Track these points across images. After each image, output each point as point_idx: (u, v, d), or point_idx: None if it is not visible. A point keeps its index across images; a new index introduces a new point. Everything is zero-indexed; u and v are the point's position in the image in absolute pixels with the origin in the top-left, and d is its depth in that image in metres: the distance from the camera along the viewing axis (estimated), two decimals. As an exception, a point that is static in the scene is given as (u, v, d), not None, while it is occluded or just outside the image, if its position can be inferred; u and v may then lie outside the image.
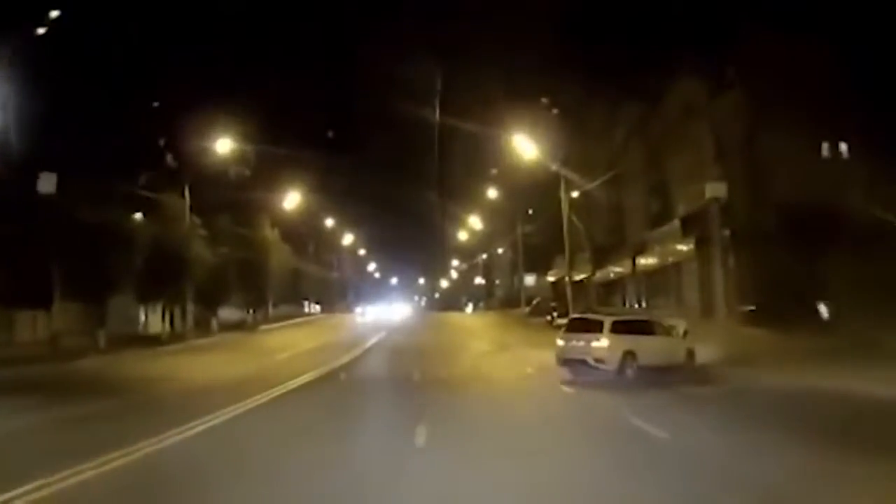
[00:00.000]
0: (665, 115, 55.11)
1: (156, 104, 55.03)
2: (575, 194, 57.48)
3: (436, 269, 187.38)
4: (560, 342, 31.62)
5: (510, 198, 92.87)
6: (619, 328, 30.42)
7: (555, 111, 67.95)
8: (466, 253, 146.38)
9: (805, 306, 40.11)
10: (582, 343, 30.55)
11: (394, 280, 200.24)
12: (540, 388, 29.41)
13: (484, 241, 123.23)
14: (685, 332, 36.47)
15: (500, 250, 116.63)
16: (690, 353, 33.10)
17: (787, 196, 40.73)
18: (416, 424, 18.91)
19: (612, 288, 72.41)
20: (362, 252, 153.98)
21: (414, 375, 32.38)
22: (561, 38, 57.28)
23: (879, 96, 39.28)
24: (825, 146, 45.19)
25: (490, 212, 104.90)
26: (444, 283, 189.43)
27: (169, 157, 59.32)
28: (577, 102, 66.71)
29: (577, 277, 68.46)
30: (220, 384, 29.28)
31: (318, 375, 32.33)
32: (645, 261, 61.80)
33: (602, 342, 30.02)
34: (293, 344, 51.33)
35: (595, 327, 30.62)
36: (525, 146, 56.31)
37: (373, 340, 53.71)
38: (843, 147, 45.54)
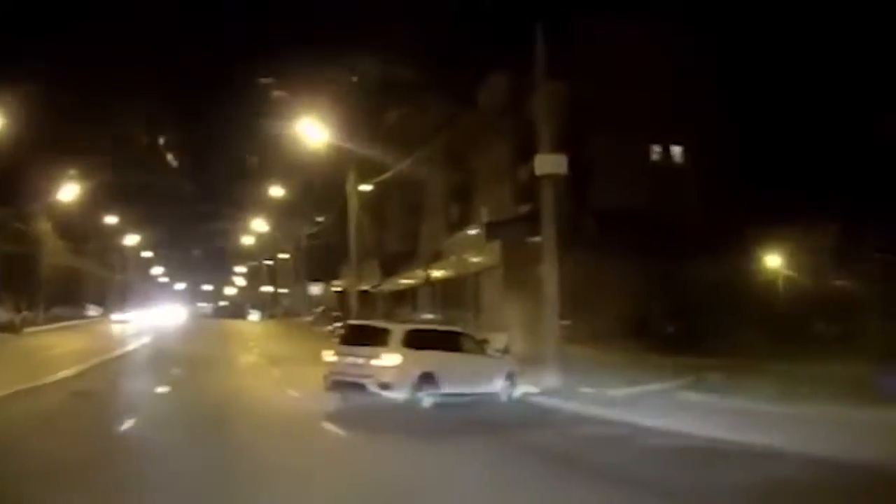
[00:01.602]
0: (475, 113, 50.13)
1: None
2: (367, 188, 49.30)
3: (223, 275, 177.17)
4: (331, 358, 22.70)
5: (298, 198, 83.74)
6: (415, 341, 22.06)
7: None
8: (252, 258, 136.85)
9: (638, 321, 36.46)
10: (361, 360, 21.81)
11: (180, 285, 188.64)
12: (297, 425, 19.41)
13: (269, 246, 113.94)
14: (505, 350, 28.48)
15: (284, 255, 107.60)
16: (510, 377, 25.28)
17: (612, 200, 37.97)
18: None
19: (403, 299, 65.96)
20: (148, 254, 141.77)
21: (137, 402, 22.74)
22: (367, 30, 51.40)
23: (721, 101, 37.67)
24: (656, 149, 42.66)
25: (277, 213, 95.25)
26: (229, 290, 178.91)
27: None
28: (378, 99, 59.38)
29: (366, 287, 61.83)
30: None
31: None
32: (442, 269, 55.47)
33: (389, 359, 21.39)
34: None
35: (380, 339, 21.99)
36: (314, 135, 47.00)
37: (128, 348, 45.55)
38: (677, 150, 43.02)
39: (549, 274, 27.43)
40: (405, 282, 64.38)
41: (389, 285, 67.53)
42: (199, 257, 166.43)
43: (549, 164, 27.13)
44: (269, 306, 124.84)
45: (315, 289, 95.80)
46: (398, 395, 21.23)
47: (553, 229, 27.40)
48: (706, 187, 37.68)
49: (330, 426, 18.80)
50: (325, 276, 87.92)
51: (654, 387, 25.28)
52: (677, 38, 39.07)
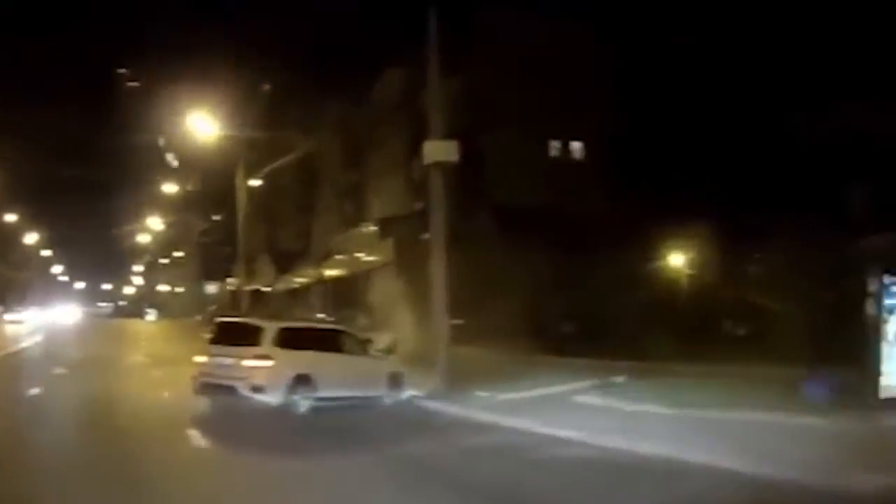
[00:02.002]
0: (370, 108, 48.87)
1: None
2: (256, 183, 47.05)
3: (122, 274, 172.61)
4: (201, 359, 20.58)
5: (193, 196, 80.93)
6: (289, 340, 20.08)
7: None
8: (150, 256, 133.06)
9: (536, 320, 34.52)
10: (231, 361, 19.62)
11: (80, 284, 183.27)
12: (159, 432, 17.32)
13: (165, 244, 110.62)
14: (391, 349, 26.05)
15: (179, 253, 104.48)
16: (396, 379, 23.23)
17: (510, 197, 36.78)
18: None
19: (297, 298, 63.98)
20: (47, 253, 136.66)
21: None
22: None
23: (621, 98, 36.93)
24: (555, 145, 41.68)
25: (173, 211, 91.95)
26: (129, 290, 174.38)
27: None
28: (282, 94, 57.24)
29: (259, 286, 60.55)
30: None
31: None
32: (335, 268, 54.04)
33: (261, 360, 19.33)
34: None
35: (251, 338, 19.83)
36: (206, 128, 44.40)
37: (17, 348, 43.16)
38: (577, 146, 42.04)
39: (437, 269, 25.35)
40: (299, 280, 62.72)
41: (284, 284, 65.62)
42: (98, 256, 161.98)
43: (439, 151, 24.90)
44: (166, 306, 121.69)
45: (212, 287, 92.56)
46: (271, 399, 19.15)
47: (442, 221, 25.28)
48: (607, 184, 36.46)
49: (194, 433, 16.98)
50: (220, 274, 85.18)
51: (551, 390, 23.40)
52: (577, 34, 38.32)
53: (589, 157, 41.31)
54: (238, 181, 44.97)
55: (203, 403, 20.08)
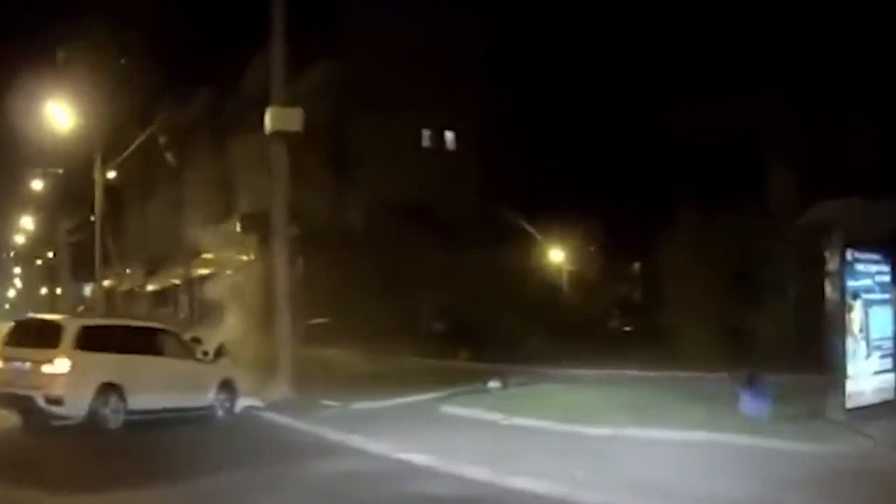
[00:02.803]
0: (238, 99, 44.90)
1: None
2: (111, 175, 43.48)
3: (4, 277, 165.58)
4: None
5: (59, 192, 76.09)
6: (93, 340, 16.68)
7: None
8: (28, 258, 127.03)
9: (406, 320, 32.25)
10: (27, 365, 16.29)
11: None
12: None
13: (38, 244, 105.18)
14: (219, 351, 20.92)
15: (50, 254, 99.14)
16: (227, 387, 19.59)
17: (380, 189, 34.76)
18: None
19: (167, 299, 61.85)
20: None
21: None
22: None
23: (496, 85, 35.70)
24: (426, 134, 40.20)
25: (43, 209, 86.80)
26: (11, 293, 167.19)
27: None
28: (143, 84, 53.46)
29: (129, 286, 60.26)
30: None
31: None
32: (202, 267, 51.39)
33: (58, 364, 16.00)
34: None
35: (48, 338, 16.47)
36: (63, 118, 40.67)
37: None
38: (450, 136, 40.53)
39: (279, 255, 22.72)
40: (170, 281, 59.72)
41: (154, 285, 62.66)
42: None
43: (281, 118, 21.66)
44: (40, 309, 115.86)
45: (88, 289, 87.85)
46: (72, 412, 15.96)
47: (285, 202, 22.48)
48: (481, 176, 34.75)
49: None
50: (91, 275, 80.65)
51: (414, 398, 20.67)
52: (451, 24, 36.95)
53: (462, 147, 39.48)
54: (96, 176, 41.51)
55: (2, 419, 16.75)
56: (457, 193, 35.54)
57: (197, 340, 20.67)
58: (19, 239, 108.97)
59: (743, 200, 26.11)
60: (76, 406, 15.91)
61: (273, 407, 20.25)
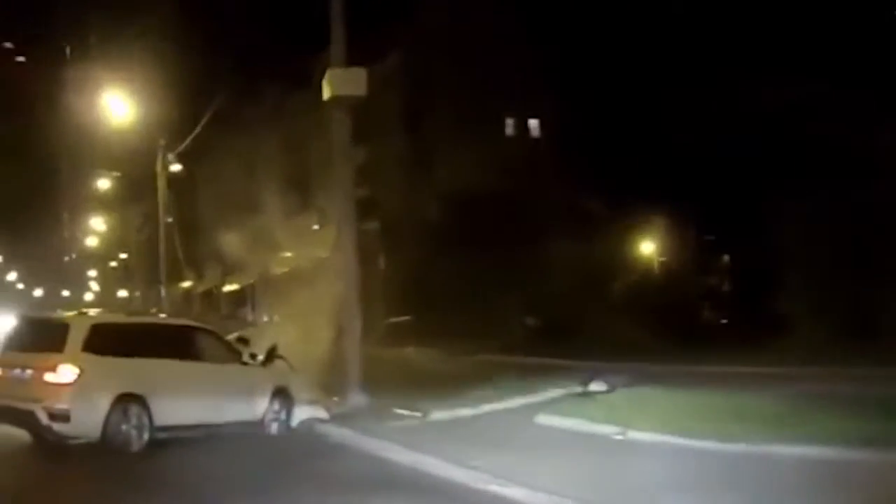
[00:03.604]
0: (310, 92, 44.81)
1: None
2: (176, 168, 43.40)
3: (81, 280, 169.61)
4: None
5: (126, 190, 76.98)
6: (109, 342, 13.97)
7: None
8: (101, 260, 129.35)
9: (495, 315, 31.29)
10: (28, 373, 13.66)
11: (37, 292, 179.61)
12: None
13: (113, 245, 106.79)
14: (271, 354, 17.11)
15: (123, 255, 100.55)
16: (282, 395, 16.45)
17: (461, 181, 33.59)
18: None
19: (244, 299, 61.27)
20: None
21: None
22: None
23: (575, 68, 34.51)
24: (510, 123, 39.45)
25: (113, 209, 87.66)
26: (88, 296, 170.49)
27: None
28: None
29: (210, 287, 61.31)
30: None
31: None
32: (281, 264, 51.71)
33: (62, 373, 13.34)
34: None
35: (53, 340, 13.84)
36: (125, 113, 40.21)
37: None
38: (534, 123, 39.90)
39: (346, 242, 19.64)
40: (247, 280, 59.67)
41: (232, 285, 62.96)
42: (54, 262, 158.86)
43: (343, 80, 18.88)
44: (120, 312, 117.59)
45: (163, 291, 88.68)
46: (82, 430, 13.29)
47: (349, 181, 19.91)
48: (568, 165, 33.60)
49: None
50: (174, 276, 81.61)
51: (506, 404, 17.88)
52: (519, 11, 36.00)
53: (547, 135, 38.86)
54: (158, 168, 41.24)
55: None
56: (542, 183, 34.84)
57: (243, 341, 18.20)
58: (92, 241, 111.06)
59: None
60: (87, 423, 13.28)
61: (339, 419, 17.33)
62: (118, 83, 39.50)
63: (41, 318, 16.16)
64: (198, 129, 41.77)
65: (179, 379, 14.60)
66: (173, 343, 15.19)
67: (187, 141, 42.37)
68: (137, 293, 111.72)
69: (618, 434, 14.05)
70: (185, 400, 14.48)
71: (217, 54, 47.24)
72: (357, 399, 18.41)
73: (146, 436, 13.70)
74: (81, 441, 13.26)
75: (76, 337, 13.60)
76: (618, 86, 33.84)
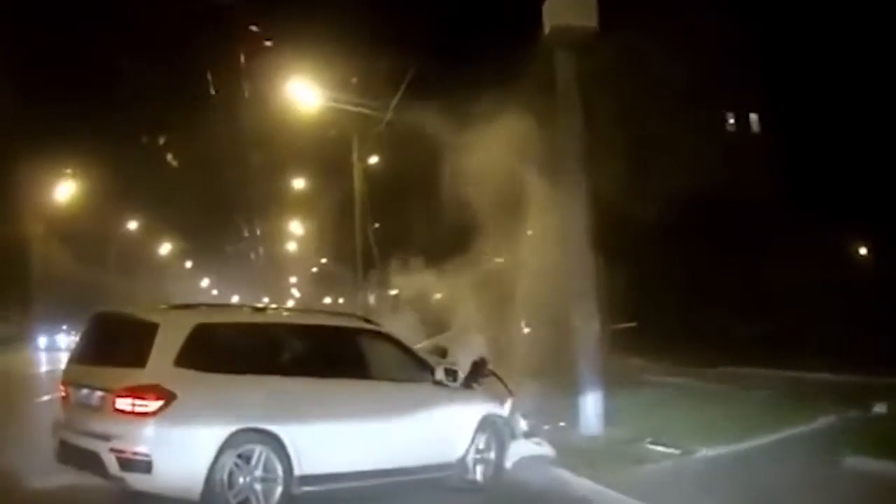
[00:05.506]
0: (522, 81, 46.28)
1: None
2: (374, 160, 44.46)
3: (281, 287, 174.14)
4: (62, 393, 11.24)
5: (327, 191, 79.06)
6: (218, 351, 10.56)
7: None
8: (301, 266, 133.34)
9: (710, 323, 31.83)
10: (96, 398, 10.27)
11: (234, 298, 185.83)
12: None
13: (313, 249, 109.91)
14: (476, 369, 13.24)
15: (323, 260, 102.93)
16: (491, 428, 12.94)
17: (679, 179, 33.33)
18: None
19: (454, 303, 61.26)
20: (188, 265, 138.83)
21: None
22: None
23: (792, 60, 34.90)
24: (731, 117, 40.29)
25: (306, 210, 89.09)
26: (289, 304, 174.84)
27: None
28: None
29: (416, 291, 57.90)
30: None
31: None
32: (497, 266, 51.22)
33: (140, 398, 9.83)
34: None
35: (134, 349, 10.23)
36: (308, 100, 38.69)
37: None
38: (754, 118, 40.67)
39: (571, 208, 17.08)
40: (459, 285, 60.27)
41: (442, 290, 63.17)
42: (249, 268, 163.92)
43: (568, 7, 16.07)
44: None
45: (372, 297, 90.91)
46: (170, 487, 9.94)
47: (578, 137, 16.89)
48: (792, 163, 33.96)
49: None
50: (377, 279, 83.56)
51: (779, 434, 14.68)
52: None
53: (768, 131, 38.95)
54: (354, 159, 42.87)
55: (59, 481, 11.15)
56: (764, 181, 34.68)
57: (442, 352, 15.03)
58: (290, 246, 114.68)
59: None
60: (178, 474, 9.86)
61: (571, 455, 13.70)
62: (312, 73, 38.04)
63: (120, 316, 11.45)
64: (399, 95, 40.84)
65: (334, 406, 11.12)
66: (325, 352, 11.66)
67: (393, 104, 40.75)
68: (341, 300, 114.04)
69: None
70: (344, 437, 11.10)
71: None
72: (594, 427, 15.61)
73: (280, 491, 10.42)
74: (176, 498, 10.04)
75: (167, 343, 10.15)
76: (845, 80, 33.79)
